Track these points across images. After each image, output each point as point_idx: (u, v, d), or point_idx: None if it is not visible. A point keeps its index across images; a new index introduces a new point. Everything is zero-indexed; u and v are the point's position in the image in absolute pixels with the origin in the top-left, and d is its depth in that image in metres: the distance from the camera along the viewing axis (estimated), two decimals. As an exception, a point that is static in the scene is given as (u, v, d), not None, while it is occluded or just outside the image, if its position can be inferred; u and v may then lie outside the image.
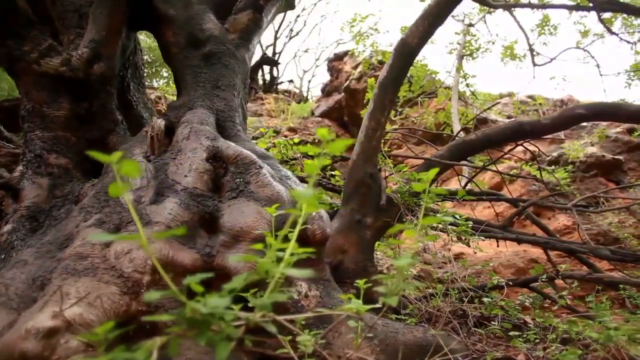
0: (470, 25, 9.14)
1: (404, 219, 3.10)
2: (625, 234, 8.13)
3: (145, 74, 4.06)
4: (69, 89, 3.04)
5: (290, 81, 15.85)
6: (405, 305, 2.96)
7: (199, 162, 2.23)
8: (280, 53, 15.07)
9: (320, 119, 13.45)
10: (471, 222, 2.81)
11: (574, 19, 9.06)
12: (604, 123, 11.14)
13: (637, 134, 9.31)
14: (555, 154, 10.95)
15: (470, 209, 10.76)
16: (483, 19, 9.03)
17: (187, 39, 3.38)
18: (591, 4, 6.24)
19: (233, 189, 2.23)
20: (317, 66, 16.35)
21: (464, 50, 9.25)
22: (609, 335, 1.69)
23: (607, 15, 9.66)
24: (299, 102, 14.64)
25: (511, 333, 2.24)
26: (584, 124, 11.88)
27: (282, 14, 14.56)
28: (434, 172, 1.18)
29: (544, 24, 9.21)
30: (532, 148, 5.09)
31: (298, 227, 1.91)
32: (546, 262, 8.09)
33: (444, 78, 10.24)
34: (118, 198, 2.13)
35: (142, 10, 3.49)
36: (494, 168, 4.62)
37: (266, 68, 14.85)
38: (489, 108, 7.29)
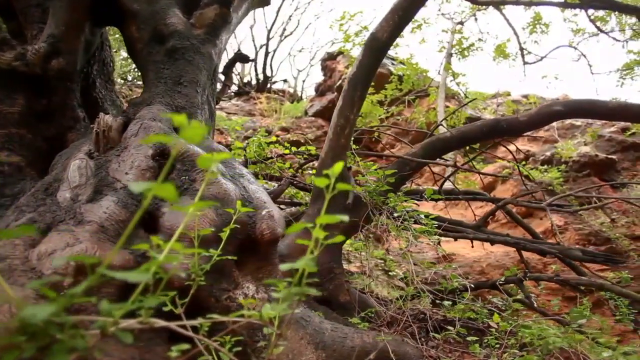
0: (461, 23, 9.03)
1: (372, 219, 3.01)
2: (617, 234, 8.02)
3: (114, 70, 3.98)
4: (25, 85, 2.95)
5: (285, 81, 15.77)
6: (368, 307, 2.87)
7: (142, 159, 2.14)
8: (274, 52, 15.00)
9: (313, 118, 13.37)
10: (435, 222, 2.71)
11: (566, 16, 8.96)
12: (599, 122, 11.05)
13: (629, 133, 9.19)
14: (548, 154, 10.85)
15: (464, 209, 10.65)
16: (474, 16, 8.93)
17: (150, 34, 3.29)
18: (578, 1, 6.15)
19: (178, 187, 2.14)
20: (311, 66, 16.26)
21: (454, 49, 9.14)
22: (547, 342, 1.59)
23: (602, 13, 9.56)
24: (292, 102, 14.56)
25: (469, 338, 2.15)
26: (578, 123, 11.80)
27: (275, 14, 14.47)
28: (340, 166, 1.09)
29: (535, 22, 9.10)
30: (511, 147, 4.98)
31: (229, 226, 1.79)
32: (536, 263, 8.00)
33: (436, 77, 10.14)
34: (55, 197, 2.05)
35: (107, 5, 3.40)
36: (478, 169, 4.51)
37: (260, 68, 14.78)
38: (467, 103, 7.17)
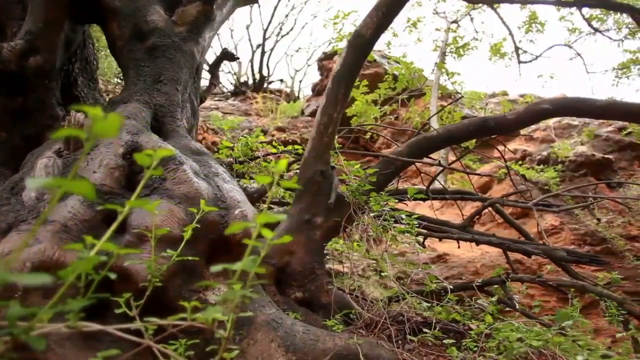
0: (455, 22, 8.98)
1: (354, 218, 2.96)
2: (613, 234, 7.96)
3: (98, 69, 3.93)
4: (0, 83, 2.90)
5: (281, 80, 15.72)
6: (350, 309, 2.81)
7: (111, 157, 2.09)
8: (271, 51, 14.95)
9: (309, 118, 13.31)
10: (416, 222, 2.66)
11: (562, 15, 8.90)
12: (596, 122, 10.98)
13: (625, 132, 9.13)
14: (545, 153, 10.79)
15: (459, 209, 10.61)
16: (469, 15, 8.87)
17: (131, 32, 3.24)
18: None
19: (147, 185, 2.10)
20: (308, 65, 16.21)
21: (448, 48, 9.08)
22: (512, 347, 1.54)
23: (599, 13, 9.50)
24: (289, 102, 14.52)
25: (446, 341, 2.10)
26: (575, 123, 11.73)
27: (270, 14, 14.42)
28: (284, 162, 1.04)
29: (531, 21, 9.05)
30: (503, 147, 4.92)
31: (192, 225, 1.74)
32: (531, 263, 7.93)
33: (431, 77, 10.08)
34: (20, 196, 2.00)
35: (88, 2, 3.36)
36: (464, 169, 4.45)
37: (256, 67, 14.73)
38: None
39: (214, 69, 4.27)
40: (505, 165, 9.14)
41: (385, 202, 2.75)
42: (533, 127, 12.36)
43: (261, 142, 4.45)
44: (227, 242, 2.17)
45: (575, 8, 7.84)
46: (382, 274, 5.21)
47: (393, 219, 2.61)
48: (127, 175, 2.15)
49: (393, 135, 11.05)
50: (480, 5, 8.81)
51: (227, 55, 4.13)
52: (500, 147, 11.20)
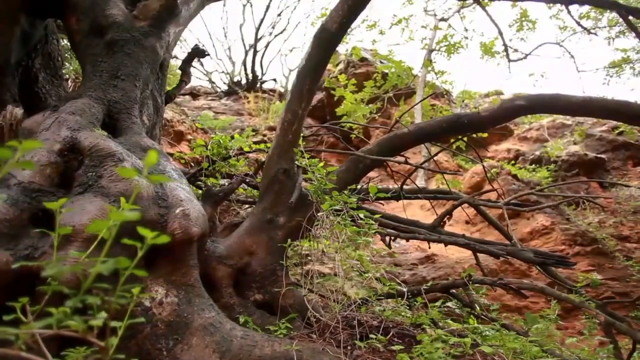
0: (443, 19, 8.88)
1: (315, 218, 2.86)
2: (604, 235, 7.84)
3: (63, 65, 3.84)
4: (-51, 78, 2.82)
5: (274, 80, 15.62)
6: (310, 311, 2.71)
7: (43, 153, 2.00)
8: (265, 49, 14.84)
9: (302, 118, 13.20)
10: (374, 222, 2.56)
11: (552, 13, 8.79)
12: (590, 121, 10.87)
13: (617, 132, 9.02)
14: (537, 153, 10.68)
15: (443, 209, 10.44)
16: (458, 13, 8.77)
17: (90, 26, 3.15)
18: (559, -5, 6.01)
19: (82, 183, 2.00)
20: (303, 65, 16.06)
21: (438, 46, 8.98)
22: (432, 358, 1.44)
23: (593, 12, 9.39)
24: (282, 101, 14.42)
25: (396, 347, 1.99)
26: (569, 122, 11.62)
27: (263, 13, 14.33)
28: (154, 156, 0.94)
29: (522, 19, 8.95)
30: (494, 147, 4.80)
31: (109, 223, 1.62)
32: (520, 264, 7.80)
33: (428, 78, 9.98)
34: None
35: (48, -3, 3.27)
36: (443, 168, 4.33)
37: (248, 67, 14.64)
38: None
39: (185, 66, 4.17)
40: (499, 165, 9.04)
41: (345, 202, 2.65)
42: (527, 126, 12.27)
43: (255, 142, 4.36)
44: (167, 243, 2.07)
45: (561, 5, 7.73)
46: (364, 274, 5.11)
47: (351, 218, 2.51)
48: (63, 172, 2.06)
49: (385, 134, 10.94)
50: (470, 2, 8.71)
51: (197, 52, 4.04)
52: (494, 147, 11.09)
